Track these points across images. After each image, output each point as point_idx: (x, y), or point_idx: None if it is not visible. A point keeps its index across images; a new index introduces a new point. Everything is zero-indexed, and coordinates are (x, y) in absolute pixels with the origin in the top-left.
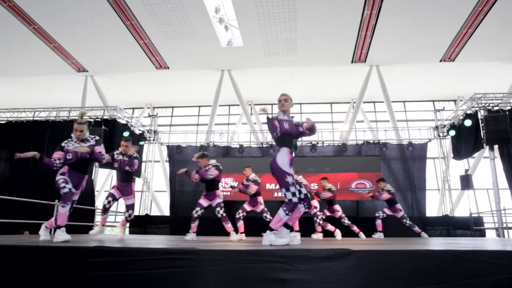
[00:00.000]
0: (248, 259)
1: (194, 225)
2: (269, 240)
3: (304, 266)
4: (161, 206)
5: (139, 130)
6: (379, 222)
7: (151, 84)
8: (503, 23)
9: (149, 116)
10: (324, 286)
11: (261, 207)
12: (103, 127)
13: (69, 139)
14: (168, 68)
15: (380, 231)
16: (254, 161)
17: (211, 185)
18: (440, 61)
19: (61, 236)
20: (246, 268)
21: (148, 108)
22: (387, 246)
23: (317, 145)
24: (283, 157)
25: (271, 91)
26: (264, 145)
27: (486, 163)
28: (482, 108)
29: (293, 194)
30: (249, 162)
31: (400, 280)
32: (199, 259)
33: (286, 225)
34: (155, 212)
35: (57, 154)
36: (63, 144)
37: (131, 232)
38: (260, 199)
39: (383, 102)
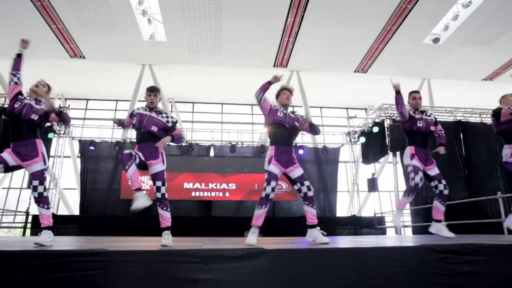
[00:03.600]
0: (161, 259)
1: None
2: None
3: (218, 265)
4: (70, 205)
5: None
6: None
7: (63, 74)
8: (406, 44)
9: (60, 107)
10: (238, 285)
11: None
12: (3, 117)
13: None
14: (84, 57)
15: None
16: (172, 160)
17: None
18: (354, 71)
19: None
20: (159, 269)
21: (60, 99)
22: (298, 245)
23: (237, 145)
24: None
25: (193, 88)
26: (183, 144)
27: (390, 168)
28: (388, 117)
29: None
30: (167, 161)
31: (310, 277)
32: (108, 260)
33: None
34: (62, 211)
35: None
36: None
37: (32, 234)
38: None
39: (301, 106)
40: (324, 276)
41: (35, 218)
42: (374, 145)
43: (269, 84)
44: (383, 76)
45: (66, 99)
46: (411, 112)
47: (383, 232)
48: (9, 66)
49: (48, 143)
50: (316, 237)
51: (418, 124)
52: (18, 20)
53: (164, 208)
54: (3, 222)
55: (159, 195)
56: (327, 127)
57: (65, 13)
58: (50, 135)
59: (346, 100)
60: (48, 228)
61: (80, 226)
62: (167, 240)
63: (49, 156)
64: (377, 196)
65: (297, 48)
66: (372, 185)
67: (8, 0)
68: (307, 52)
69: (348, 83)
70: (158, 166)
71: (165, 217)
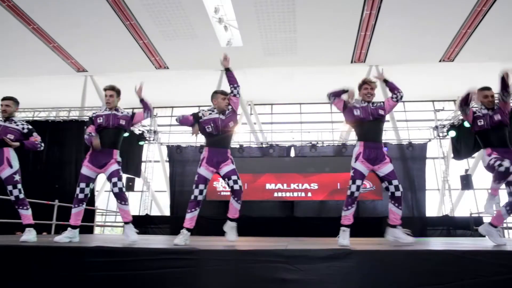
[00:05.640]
0: (249, 259)
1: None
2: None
3: (304, 266)
4: (161, 206)
5: (139, 130)
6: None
7: (150, 84)
8: (502, 23)
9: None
10: (325, 286)
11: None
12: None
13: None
14: (168, 68)
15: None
16: (254, 162)
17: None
18: (440, 61)
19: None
20: (246, 268)
21: None
22: (387, 246)
23: (317, 145)
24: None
25: (271, 90)
26: (264, 145)
27: None
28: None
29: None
30: (249, 162)
31: (400, 280)
32: (199, 259)
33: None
34: (155, 212)
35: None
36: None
37: None
38: None
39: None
40: (416, 280)
41: None
42: (466, 139)
43: (343, 92)
44: (473, 63)
45: (153, 107)
46: (477, 113)
47: (481, 234)
48: (105, 81)
49: (139, 149)
50: (399, 236)
51: (479, 123)
52: (110, 39)
53: (239, 201)
54: (106, 222)
55: (237, 187)
56: (412, 121)
57: (149, 28)
58: (141, 142)
59: (432, 92)
60: (126, 223)
61: (171, 226)
62: (233, 235)
63: (141, 162)
64: (472, 194)
65: (375, 42)
66: (466, 182)
67: (103, 22)
68: (385, 44)
69: (433, 74)
70: (230, 165)
71: (237, 209)
